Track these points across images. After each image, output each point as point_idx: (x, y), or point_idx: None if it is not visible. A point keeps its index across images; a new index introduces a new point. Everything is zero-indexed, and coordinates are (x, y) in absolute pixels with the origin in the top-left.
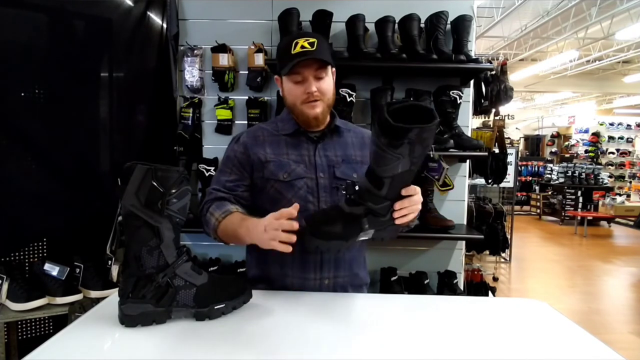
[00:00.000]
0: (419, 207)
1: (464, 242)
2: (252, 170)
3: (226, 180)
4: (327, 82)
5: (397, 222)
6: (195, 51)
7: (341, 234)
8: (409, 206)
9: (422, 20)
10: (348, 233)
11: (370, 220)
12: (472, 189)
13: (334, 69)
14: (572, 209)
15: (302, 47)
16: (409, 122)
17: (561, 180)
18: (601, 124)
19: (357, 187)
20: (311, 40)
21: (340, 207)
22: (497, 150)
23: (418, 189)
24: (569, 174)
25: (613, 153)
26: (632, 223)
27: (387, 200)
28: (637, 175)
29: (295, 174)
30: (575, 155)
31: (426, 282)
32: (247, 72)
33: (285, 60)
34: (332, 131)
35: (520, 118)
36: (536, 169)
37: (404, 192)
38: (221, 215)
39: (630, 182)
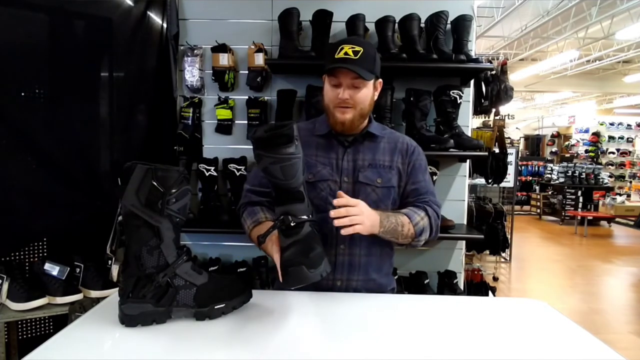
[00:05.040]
0: (358, 211)
1: (464, 242)
2: None
3: (262, 176)
4: (364, 92)
5: (341, 230)
6: (195, 51)
7: (322, 252)
8: (346, 215)
9: (422, 20)
10: (322, 249)
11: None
12: (472, 188)
13: (380, 80)
14: (572, 208)
15: (346, 53)
16: None
17: (561, 180)
18: (601, 124)
19: (290, 218)
20: (357, 48)
21: (300, 238)
22: (497, 150)
23: (344, 200)
24: (569, 173)
25: (613, 153)
26: (632, 223)
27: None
28: (638, 175)
29: (320, 175)
30: (575, 155)
31: (426, 282)
32: (247, 72)
33: (328, 62)
34: (365, 136)
35: (521, 118)
36: (536, 168)
37: (335, 202)
38: (252, 224)
39: (631, 182)
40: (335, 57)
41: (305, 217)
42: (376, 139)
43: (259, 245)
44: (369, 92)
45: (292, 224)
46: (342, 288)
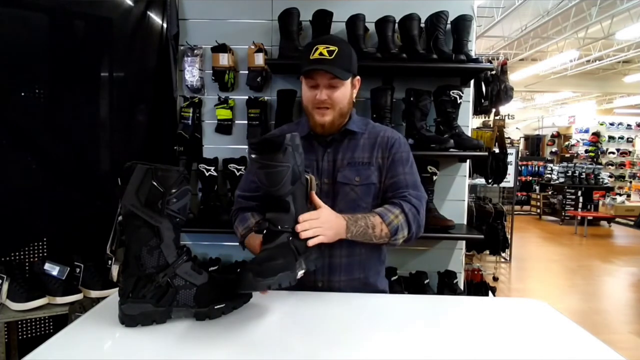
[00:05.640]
0: (319, 223)
1: (464, 242)
2: None
3: (251, 181)
4: (341, 91)
5: (308, 242)
6: (195, 51)
7: (283, 265)
8: (310, 227)
9: (422, 20)
10: (289, 262)
11: (297, 244)
12: (472, 188)
13: (357, 77)
14: (572, 208)
15: (321, 54)
16: None
17: (561, 180)
18: (601, 124)
19: (267, 225)
20: (331, 48)
21: (271, 246)
22: (497, 150)
23: (307, 216)
24: (569, 173)
25: (613, 153)
26: (632, 223)
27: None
28: (637, 175)
29: None
30: (575, 155)
31: (426, 282)
32: (247, 72)
33: (303, 63)
34: (344, 135)
35: (521, 118)
36: (536, 168)
37: (300, 218)
38: (243, 230)
39: (631, 182)
40: (311, 58)
41: (286, 227)
42: (356, 135)
43: (249, 248)
44: (346, 91)
45: (264, 231)
46: (323, 289)
